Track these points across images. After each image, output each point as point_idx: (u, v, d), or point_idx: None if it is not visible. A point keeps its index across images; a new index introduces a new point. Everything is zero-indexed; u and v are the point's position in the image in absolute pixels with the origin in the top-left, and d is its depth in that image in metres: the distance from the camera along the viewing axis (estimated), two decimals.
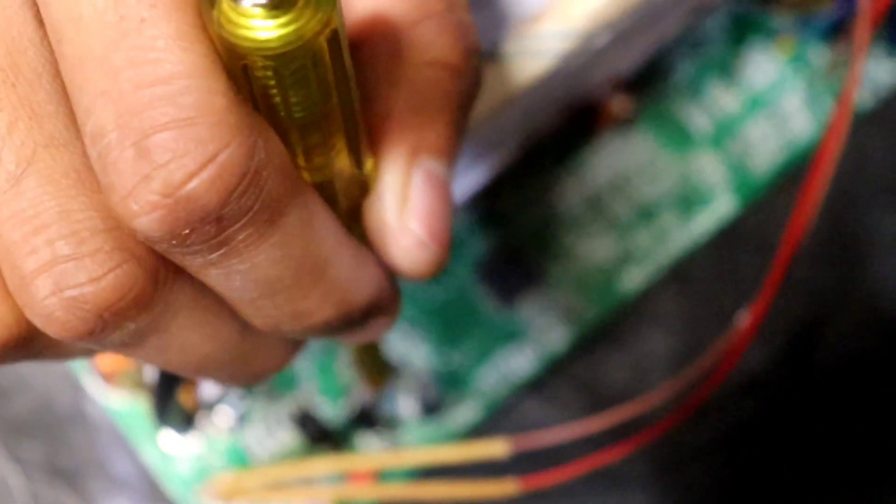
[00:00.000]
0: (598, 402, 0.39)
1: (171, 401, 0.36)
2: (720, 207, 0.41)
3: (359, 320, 0.24)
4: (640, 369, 0.40)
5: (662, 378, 0.38)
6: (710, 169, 0.41)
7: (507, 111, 0.35)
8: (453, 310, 0.40)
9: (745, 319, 0.35)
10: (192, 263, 0.20)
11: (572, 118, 0.40)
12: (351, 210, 0.24)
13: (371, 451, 0.38)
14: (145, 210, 0.18)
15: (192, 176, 0.18)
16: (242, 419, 0.38)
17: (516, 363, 0.40)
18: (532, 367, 0.40)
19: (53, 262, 0.20)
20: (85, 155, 0.19)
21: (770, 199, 0.41)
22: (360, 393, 0.38)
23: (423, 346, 0.39)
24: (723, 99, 0.42)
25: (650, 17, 0.36)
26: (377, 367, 0.34)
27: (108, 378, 0.37)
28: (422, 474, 0.38)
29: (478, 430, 0.39)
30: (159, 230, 0.19)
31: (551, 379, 0.40)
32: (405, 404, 0.39)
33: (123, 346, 0.22)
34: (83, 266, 0.20)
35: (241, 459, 0.38)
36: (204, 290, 0.22)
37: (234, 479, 0.37)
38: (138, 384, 0.37)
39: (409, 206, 0.24)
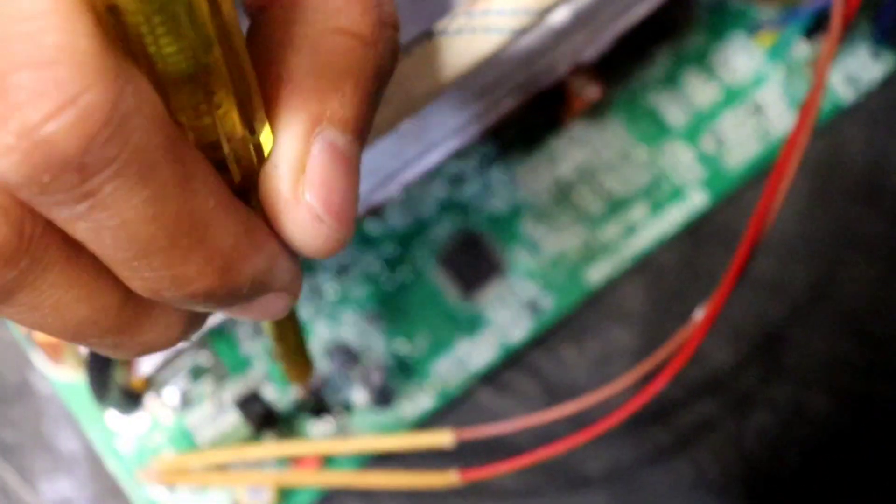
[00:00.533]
0: (555, 395, 0.39)
1: (107, 379, 0.35)
2: (692, 201, 0.40)
3: (247, 294, 0.23)
4: (600, 363, 0.39)
5: (621, 373, 0.36)
6: (683, 162, 0.40)
7: (458, 90, 0.34)
8: (412, 297, 0.39)
9: (701, 314, 0.34)
10: (59, 216, 0.19)
11: (540, 104, 0.39)
12: (246, 178, 0.23)
13: (317, 438, 0.38)
14: (2, 152, 0.17)
15: (49, 118, 0.17)
16: (188, 400, 0.37)
17: (474, 354, 0.39)
18: (490, 358, 0.39)
19: None
20: None
21: (743, 193, 0.40)
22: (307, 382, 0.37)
23: (379, 332, 0.38)
24: (699, 91, 0.41)
25: None
26: (298, 360, 0.33)
27: (52, 352, 0.36)
28: (369, 462, 0.37)
29: (430, 420, 0.38)
30: (16, 175, 0.18)
31: (509, 370, 0.39)
32: (357, 392, 0.38)
33: None
34: None
35: (185, 441, 0.37)
36: (79, 249, 0.21)
37: (176, 461, 0.37)
38: (84, 360, 0.36)
39: (305, 176, 0.22)
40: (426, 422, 0.38)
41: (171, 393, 0.37)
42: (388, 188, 0.35)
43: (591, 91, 0.38)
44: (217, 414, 0.37)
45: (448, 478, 0.34)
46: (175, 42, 0.18)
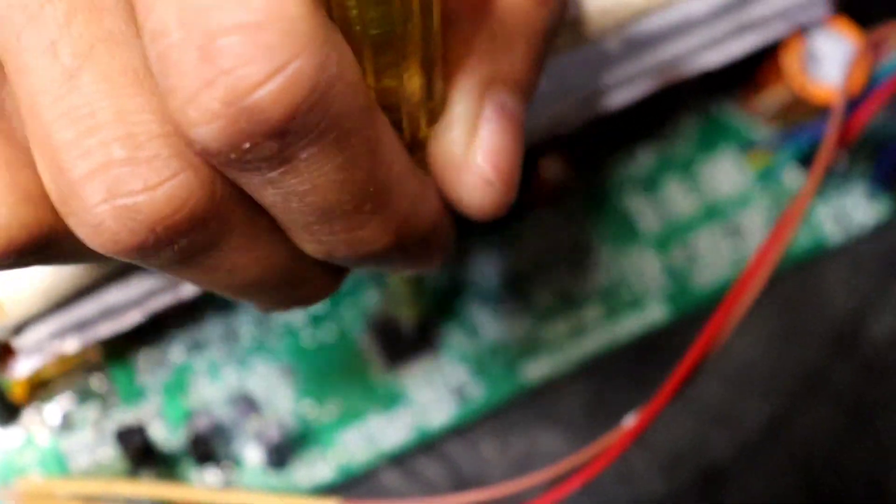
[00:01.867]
0: (462, 487, 0.35)
1: None
2: (650, 314, 0.38)
3: (413, 252, 0.23)
4: (520, 464, 0.36)
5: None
6: (648, 271, 0.38)
7: None
8: (331, 358, 0.36)
9: (632, 422, 0.31)
10: (250, 181, 0.19)
11: None
12: (413, 139, 0.23)
13: (196, 485, 0.35)
14: (205, 119, 0.17)
15: (258, 85, 0.17)
16: (70, 423, 0.35)
17: (387, 431, 0.36)
18: (403, 438, 0.36)
19: (107, 166, 0.18)
20: (144, 56, 0.18)
21: (706, 316, 0.37)
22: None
23: (288, 388, 0.36)
24: (679, 200, 0.39)
25: (590, 64, 0.33)
26: (418, 297, 0.33)
27: None
28: None
29: (325, 493, 0.35)
30: (218, 142, 0.18)
31: (421, 456, 0.36)
32: (250, 447, 0.35)
33: (170, 265, 0.21)
34: (139, 172, 0.19)
35: (58, 465, 0.35)
36: (259, 211, 0.21)
37: (43, 485, 0.34)
38: None
39: (477, 139, 0.23)
40: (320, 494, 0.35)
41: (52, 412, 0.35)
42: None
43: (559, 173, 0.36)
44: (97, 443, 0.35)
45: None
46: (379, 8, 0.19)
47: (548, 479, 0.32)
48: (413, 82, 0.21)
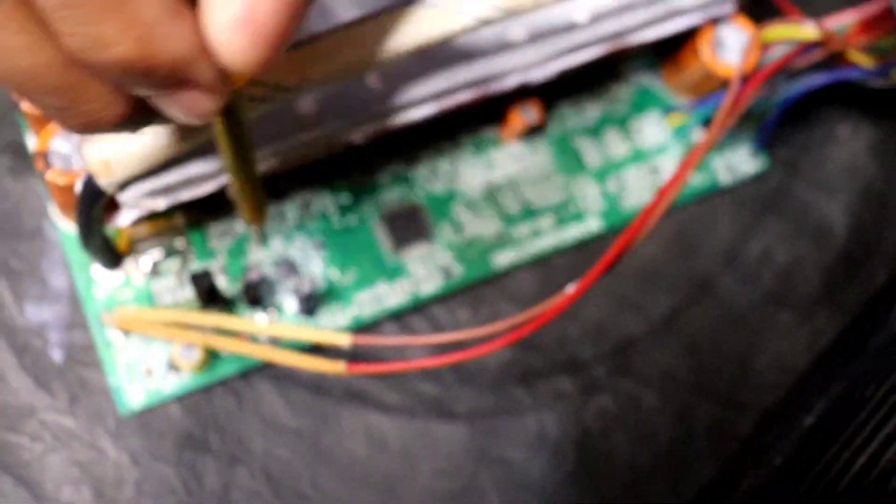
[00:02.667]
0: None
1: (93, 237, 0.31)
2: (589, 225, 0.37)
3: (167, 76, 0.19)
4: (486, 324, 0.35)
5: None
6: (590, 194, 0.37)
7: (425, 60, 0.31)
8: (353, 238, 0.36)
9: (572, 289, 0.30)
10: None
11: (490, 117, 0.36)
12: None
13: (247, 320, 0.34)
14: None
15: None
16: (158, 271, 0.34)
17: (390, 295, 0.35)
18: (401, 301, 0.35)
19: None
20: None
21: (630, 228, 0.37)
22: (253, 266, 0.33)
23: (319, 258, 0.35)
24: (615, 145, 0.38)
25: (561, 30, 0.32)
26: (251, 199, 0.29)
27: (64, 207, 0.33)
28: (282, 347, 0.33)
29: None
30: None
31: (413, 315, 0.36)
32: (289, 298, 0.34)
33: None
34: None
35: (147, 301, 0.34)
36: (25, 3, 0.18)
37: (135, 313, 0.33)
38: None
39: None
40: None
41: (146, 261, 0.34)
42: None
43: (531, 115, 0.35)
44: (177, 286, 0.34)
45: (337, 366, 0.30)
46: None
47: (506, 328, 0.31)
48: None
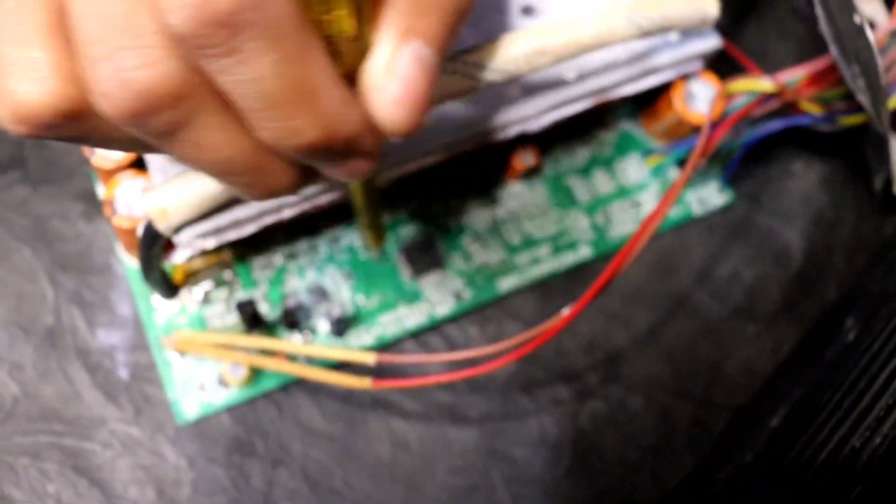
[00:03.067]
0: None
1: (153, 272, 0.31)
2: (581, 253, 0.37)
3: (342, 151, 0.20)
4: (493, 342, 0.34)
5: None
6: (580, 226, 0.36)
7: (437, 116, 0.30)
8: (376, 268, 0.35)
9: (567, 311, 0.30)
10: (211, 67, 0.17)
11: (494, 163, 0.35)
12: (350, 73, 0.20)
13: (286, 341, 0.33)
14: (178, 5, 0.16)
15: None
16: (209, 299, 0.33)
17: (409, 317, 0.35)
18: (419, 322, 0.35)
19: (117, 50, 0.17)
20: None
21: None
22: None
23: (347, 286, 0.35)
24: (602, 183, 0.37)
25: (553, 86, 0.31)
26: (373, 230, 0.30)
27: (129, 246, 0.32)
28: (316, 364, 0.32)
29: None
30: (185, 27, 0.16)
31: (430, 333, 0.35)
32: (321, 321, 0.33)
33: (158, 135, 0.19)
34: (138, 55, 0.17)
35: (200, 325, 0.34)
36: (225, 104, 0.19)
37: (190, 336, 0.32)
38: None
39: (394, 70, 0.20)
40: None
41: (198, 291, 0.34)
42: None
43: (529, 159, 0.35)
44: (225, 312, 0.34)
45: (364, 382, 0.30)
46: None
47: (511, 346, 0.30)
48: (345, 21, 0.19)
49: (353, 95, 0.20)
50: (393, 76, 0.20)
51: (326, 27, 0.19)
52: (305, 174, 0.22)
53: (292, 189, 0.22)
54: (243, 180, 0.21)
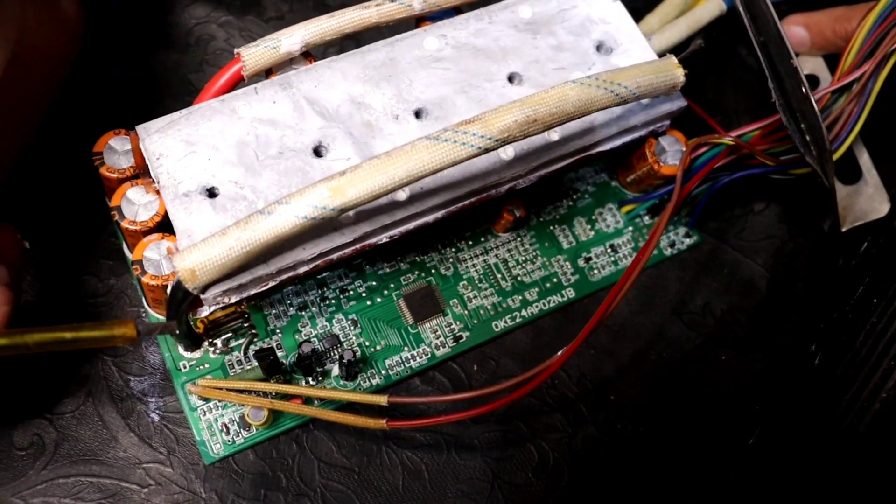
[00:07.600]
0: (457, 390, 0.35)
1: (180, 326, 0.32)
2: (566, 294, 0.38)
3: None
4: (492, 378, 0.36)
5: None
6: (565, 270, 0.38)
7: (435, 181, 0.31)
8: (381, 315, 0.37)
9: (560, 353, 0.31)
10: None
11: (485, 216, 0.37)
12: None
13: (302, 386, 0.34)
14: None
15: None
16: (230, 348, 0.34)
17: (414, 358, 0.36)
18: (423, 362, 0.36)
19: None
20: None
21: (597, 295, 0.38)
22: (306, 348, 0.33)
23: (356, 333, 0.36)
24: (582, 231, 0.39)
25: (540, 149, 0.33)
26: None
27: (154, 303, 0.33)
28: (331, 407, 0.33)
29: (378, 393, 0.34)
30: None
31: (434, 371, 0.37)
32: (333, 366, 0.34)
33: None
34: None
35: (222, 372, 0.35)
36: None
37: (213, 383, 0.34)
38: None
39: None
40: (375, 393, 0.34)
41: (220, 341, 0.34)
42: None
43: (516, 211, 0.36)
44: (245, 360, 0.34)
45: (379, 423, 0.31)
46: None
47: (509, 386, 0.31)
48: None
49: None
50: None
51: None
52: None
53: None
54: None
